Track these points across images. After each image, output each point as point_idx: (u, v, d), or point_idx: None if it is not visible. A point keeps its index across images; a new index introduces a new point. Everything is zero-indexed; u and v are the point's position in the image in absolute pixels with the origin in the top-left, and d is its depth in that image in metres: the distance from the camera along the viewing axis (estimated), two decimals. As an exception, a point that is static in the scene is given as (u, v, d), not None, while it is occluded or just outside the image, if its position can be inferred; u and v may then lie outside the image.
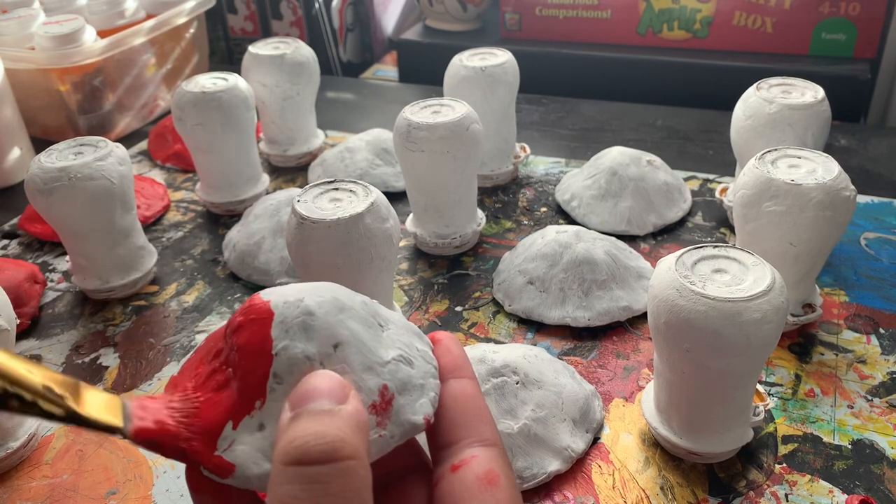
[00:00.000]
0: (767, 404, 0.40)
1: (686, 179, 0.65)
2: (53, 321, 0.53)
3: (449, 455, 0.22)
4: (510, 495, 0.21)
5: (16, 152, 0.72)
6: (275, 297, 0.22)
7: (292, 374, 0.20)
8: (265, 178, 0.67)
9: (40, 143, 0.66)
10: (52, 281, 0.58)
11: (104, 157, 0.50)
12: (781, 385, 0.44)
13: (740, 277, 0.35)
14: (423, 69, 0.95)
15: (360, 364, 0.21)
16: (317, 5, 1.01)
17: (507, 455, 0.23)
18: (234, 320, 0.22)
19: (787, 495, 0.37)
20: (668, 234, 0.58)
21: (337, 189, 0.45)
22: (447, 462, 0.22)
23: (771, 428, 0.41)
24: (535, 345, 0.48)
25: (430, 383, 0.23)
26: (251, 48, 0.68)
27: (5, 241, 0.63)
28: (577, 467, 0.39)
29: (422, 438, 0.24)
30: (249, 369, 0.21)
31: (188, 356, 0.23)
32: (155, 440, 0.20)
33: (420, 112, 0.53)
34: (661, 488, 0.38)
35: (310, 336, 0.21)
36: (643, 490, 0.38)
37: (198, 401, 0.21)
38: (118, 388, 0.47)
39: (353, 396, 0.20)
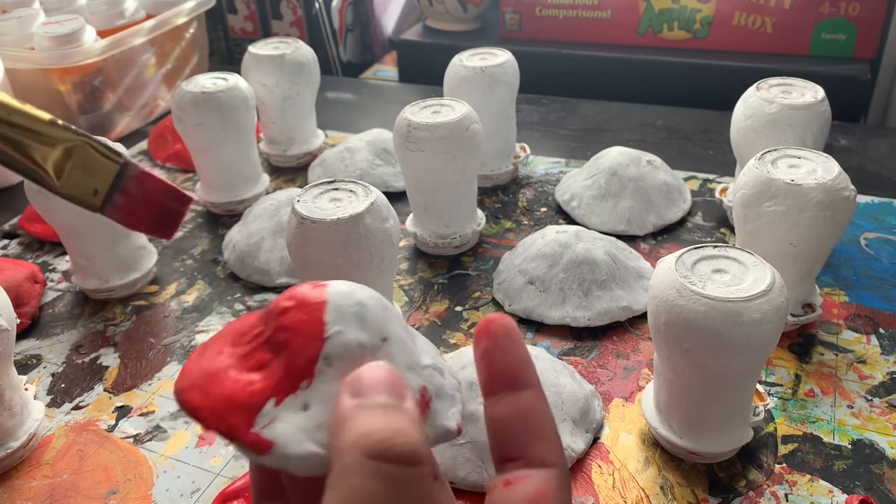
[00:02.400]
0: (767, 404, 0.40)
1: (686, 179, 0.65)
2: (53, 321, 0.53)
3: (506, 469, 0.21)
4: None
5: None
6: (325, 286, 0.22)
7: (344, 359, 0.20)
8: (265, 179, 0.67)
9: (40, 143, 0.66)
10: (52, 281, 0.58)
11: (104, 157, 0.50)
12: (781, 385, 0.44)
13: (740, 277, 0.35)
14: (423, 69, 0.95)
15: (403, 362, 0.21)
16: (317, 5, 1.01)
17: (567, 477, 0.22)
18: (279, 304, 0.22)
19: (786, 495, 0.37)
20: (667, 234, 0.58)
21: (337, 189, 0.45)
22: (503, 476, 0.21)
23: (771, 428, 0.41)
24: (535, 345, 0.48)
25: (457, 396, 0.23)
26: (251, 48, 0.68)
27: (5, 241, 0.63)
28: (577, 467, 0.39)
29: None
30: (298, 350, 0.21)
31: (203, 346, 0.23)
32: (193, 409, 0.20)
33: (420, 112, 0.53)
34: (661, 488, 0.38)
35: (363, 326, 0.21)
36: (643, 490, 0.38)
37: (237, 377, 0.21)
38: (118, 388, 0.47)
39: (409, 395, 0.19)
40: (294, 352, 0.21)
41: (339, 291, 0.22)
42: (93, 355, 0.50)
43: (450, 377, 0.23)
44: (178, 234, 0.63)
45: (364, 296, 0.22)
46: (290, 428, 0.20)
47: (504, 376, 0.22)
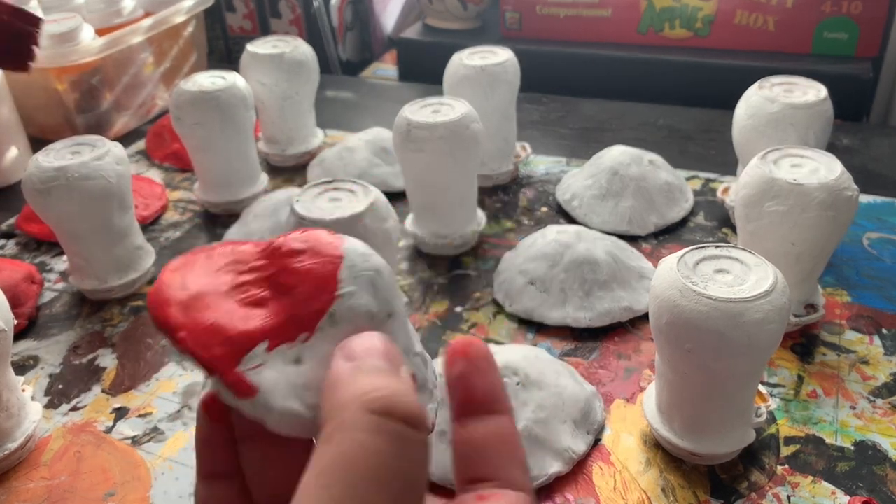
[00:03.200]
0: (769, 405, 0.40)
1: (688, 179, 0.65)
2: (51, 321, 0.53)
3: (477, 488, 0.21)
4: None
5: (13, 152, 0.71)
6: (342, 240, 0.21)
7: (350, 322, 0.19)
8: (264, 178, 0.66)
9: (38, 143, 0.66)
10: (49, 281, 0.57)
11: (102, 156, 0.50)
12: (783, 386, 0.44)
13: (742, 278, 0.35)
14: (423, 68, 0.94)
15: (402, 344, 0.21)
16: (316, 4, 1.00)
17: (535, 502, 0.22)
18: (290, 244, 0.20)
19: (789, 497, 0.37)
20: (669, 234, 0.58)
21: (336, 189, 0.44)
22: (474, 492, 0.21)
23: (773, 429, 0.41)
24: (536, 345, 0.48)
25: (435, 393, 0.22)
26: (250, 47, 0.68)
27: (2, 241, 0.63)
28: (578, 469, 0.39)
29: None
30: (304, 299, 0.19)
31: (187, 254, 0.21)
32: (171, 327, 0.19)
33: (420, 111, 0.53)
34: (663, 490, 0.38)
35: (375, 294, 0.20)
36: (644, 492, 0.38)
37: (229, 307, 0.19)
38: (116, 388, 0.47)
39: (405, 369, 0.19)
40: (299, 300, 0.19)
41: (356, 250, 0.21)
42: (90, 356, 0.49)
43: (431, 373, 0.22)
44: (177, 234, 0.62)
45: (380, 262, 0.21)
46: (278, 379, 0.18)
47: (482, 400, 0.21)
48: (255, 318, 0.19)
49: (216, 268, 0.20)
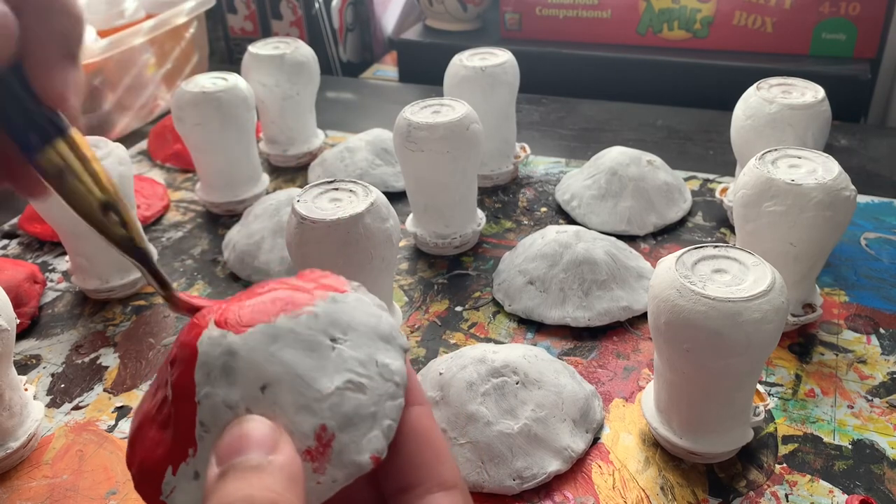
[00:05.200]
0: (767, 404, 0.40)
1: (686, 179, 0.65)
2: (53, 321, 0.53)
3: (409, 501, 0.20)
4: None
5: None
6: (206, 328, 0.20)
7: (216, 423, 0.19)
8: (265, 178, 0.66)
9: (40, 143, 0.66)
10: (51, 281, 0.57)
11: (104, 157, 0.50)
12: (781, 385, 0.44)
13: (740, 277, 0.35)
14: (423, 69, 0.95)
15: (292, 405, 0.19)
16: (317, 5, 1.00)
17: (468, 495, 0.21)
18: (173, 348, 0.20)
19: (787, 495, 0.37)
20: (668, 234, 0.58)
21: (337, 189, 0.45)
22: None
23: (771, 428, 0.41)
24: (535, 345, 0.48)
25: (385, 408, 0.20)
26: (251, 48, 0.68)
27: (5, 241, 0.63)
28: (577, 467, 0.39)
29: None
30: (180, 415, 0.20)
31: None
32: (129, 468, 0.21)
33: (420, 112, 0.53)
34: (662, 488, 0.38)
35: (232, 380, 0.19)
36: (643, 490, 0.38)
37: (151, 435, 0.20)
38: (118, 388, 0.47)
39: (284, 443, 0.19)
40: (178, 418, 0.20)
41: (210, 339, 0.20)
42: (92, 355, 0.50)
43: (379, 382, 0.20)
44: (178, 234, 0.63)
45: (237, 339, 0.19)
46: (186, 499, 0.19)
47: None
48: (163, 443, 0.20)
49: (155, 386, 0.21)
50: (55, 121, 0.22)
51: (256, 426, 0.19)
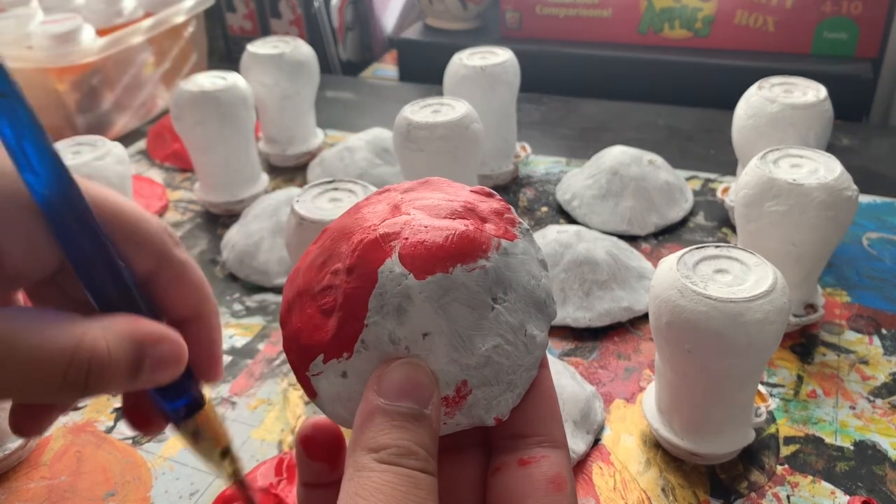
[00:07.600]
0: (769, 405, 0.40)
1: (687, 179, 0.65)
2: (51, 321, 0.53)
3: (517, 447, 0.21)
4: (572, 502, 0.21)
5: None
6: (390, 258, 0.21)
7: (377, 347, 0.21)
8: (264, 178, 0.66)
9: (39, 143, 0.66)
10: (50, 281, 0.57)
11: (102, 156, 0.50)
12: (783, 386, 0.44)
13: (742, 278, 0.35)
14: (423, 68, 0.94)
15: (445, 356, 0.21)
16: (316, 4, 1.00)
17: (570, 458, 0.22)
18: (355, 254, 0.21)
19: (788, 496, 0.37)
20: (669, 234, 0.58)
21: (336, 189, 0.44)
22: (515, 454, 0.21)
23: (773, 429, 0.41)
24: (536, 345, 0.48)
25: (520, 378, 0.22)
26: (250, 47, 0.68)
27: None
28: (577, 469, 0.39)
29: None
30: (345, 322, 0.21)
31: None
32: (281, 325, 0.23)
33: (420, 111, 0.53)
34: (663, 490, 0.38)
35: (402, 321, 0.21)
36: (644, 491, 0.38)
37: (309, 312, 0.22)
38: (116, 388, 0.47)
39: (437, 396, 0.20)
40: (342, 322, 0.21)
41: (391, 275, 0.21)
42: (91, 356, 0.49)
43: (523, 352, 0.22)
44: (177, 234, 0.62)
45: (414, 284, 0.20)
46: (329, 389, 0.21)
47: None
48: (320, 330, 0.21)
49: (323, 258, 0.22)
50: (200, 395, 0.25)
51: (423, 377, 0.20)
